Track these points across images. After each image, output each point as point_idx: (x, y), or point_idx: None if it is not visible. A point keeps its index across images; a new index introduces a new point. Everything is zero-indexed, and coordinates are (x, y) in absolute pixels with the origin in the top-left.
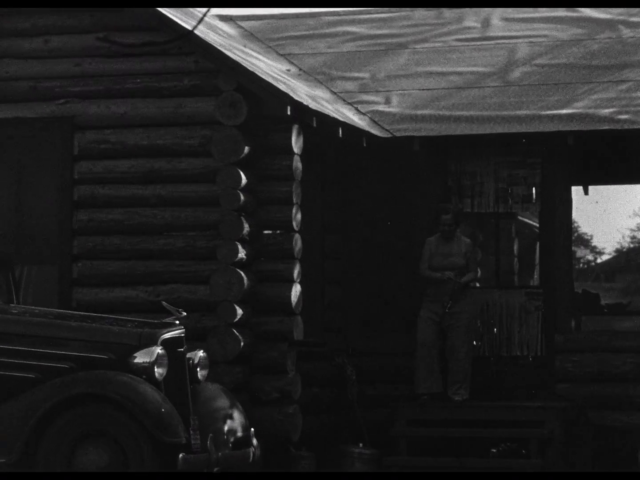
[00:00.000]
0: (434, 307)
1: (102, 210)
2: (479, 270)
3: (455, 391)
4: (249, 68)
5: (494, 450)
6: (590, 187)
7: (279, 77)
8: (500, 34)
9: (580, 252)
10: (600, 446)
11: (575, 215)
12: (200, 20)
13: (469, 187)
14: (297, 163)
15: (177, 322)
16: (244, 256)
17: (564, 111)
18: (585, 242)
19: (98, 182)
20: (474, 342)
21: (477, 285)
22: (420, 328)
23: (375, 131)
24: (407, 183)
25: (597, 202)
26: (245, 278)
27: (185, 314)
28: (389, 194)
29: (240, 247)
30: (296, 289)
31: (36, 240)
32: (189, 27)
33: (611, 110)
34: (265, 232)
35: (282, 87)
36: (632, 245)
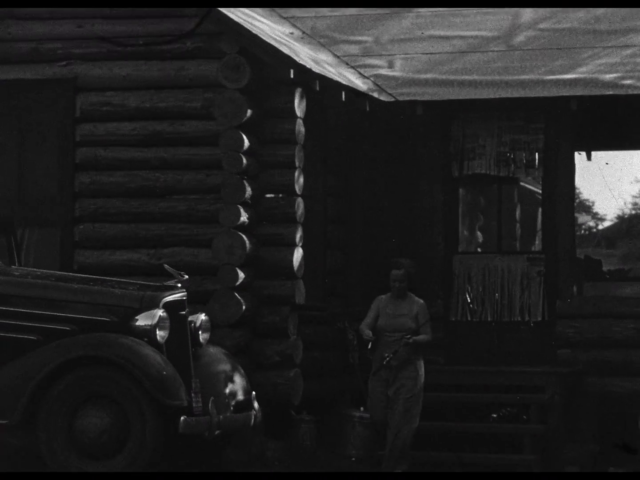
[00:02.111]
0: (382, 373)
1: (103, 172)
2: (431, 334)
3: (391, 466)
4: (252, 31)
5: (495, 415)
6: (593, 153)
7: (282, 40)
8: None
9: (581, 218)
10: (601, 412)
11: (577, 181)
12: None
13: (470, 150)
14: (300, 127)
15: (179, 285)
16: (246, 220)
17: (568, 76)
18: (586, 208)
19: (100, 144)
20: (417, 418)
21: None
22: (370, 403)
23: (378, 95)
24: (410, 147)
25: (606, 163)
26: (247, 242)
27: (187, 277)
28: (391, 158)
29: (242, 210)
30: (298, 253)
31: (38, 203)
32: None
33: (615, 75)
34: (268, 195)
35: (285, 50)
36: (633, 212)
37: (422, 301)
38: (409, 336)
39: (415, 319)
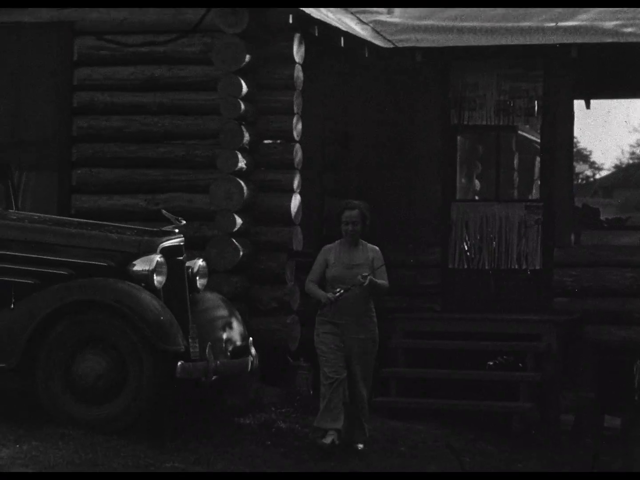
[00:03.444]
0: (332, 329)
1: (101, 117)
2: (387, 281)
3: (355, 438)
4: None
5: (491, 363)
6: (592, 101)
7: None
8: None
9: (579, 167)
10: (597, 360)
11: (575, 130)
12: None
13: (470, 99)
14: (299, 72)
15: (177, 230)
16: (244, 165)
17: (568, 23)
18: (584, 157)
19: (97, 88)
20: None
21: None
22: (326, 360)
23: (377, 41)
24: (408, 94)
25: (608, 111)
26: (245, 187)
27: (184, 222)
28: (389, 105)
29: (240, 156)
30: (296, 200)
31: (35, 147)
32: None
33: (616, 22)
34: (266, 141)
35: None
36: (631, 161)
37: (377, 247)
38: (366, 274)
39: (371, 267)
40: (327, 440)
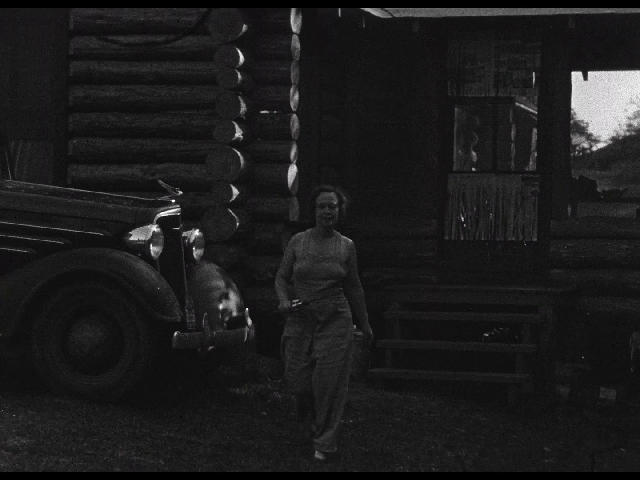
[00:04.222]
0: (304, 329)
1: (97, 87)
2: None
3: (321, 442)
4: None
5: (487, 335)
6: (590, 73)
7: None
8: None
9: (575, 139)
10: (593, 332)
11: (573, 102)
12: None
13: (469, 71)
14: (296, 43)
15: (173, 201)
16: (241, 136)
17: None
18: (581, 129)
19: (94, 58)
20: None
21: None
22: (288, 368)
23: (374, 12)
24: (406, 65)
25: (607, 83)
26: (241, 158)
27: (181, 192)
28: (387, 76)
29: (237, 126)
30: (292, 170)
31: (31, 117)
32: None
33: None
34: (263, 112)
35: None
36: (628, 134)
37: (351, 241)
38: (366, 335)
39: (345, 264)
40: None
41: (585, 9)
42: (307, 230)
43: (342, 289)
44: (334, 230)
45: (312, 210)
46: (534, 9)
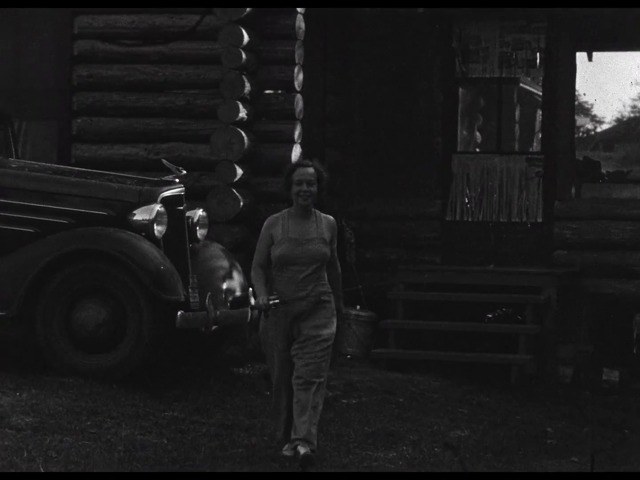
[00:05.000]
0: (285, 320)
1: (102, 66)
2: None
3: (303, 436)
4: None
5: (490, 316)
6: (595, 54)
7: None
8: None
9: (580, 120)
10: (596, 313)
11: (577, 83)
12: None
13: (473, 52)
14: (300, 22)
15: (177, 180)
16: (245, 116)
17: None
18: (585, 110)
19: (98, 37)
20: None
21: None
22: (269, 361)
23: None
24: (410, 46)
25: (611, 64)
26: (245, 138)
27: (185, 172)
28: (391, 56)
29: (241, 106)
30: (297, 150)
31: (35, 96)
32: None
33: None
34: (267, 92)
35: None
36: (632, 115)
37: (332, 218)
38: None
39: (329, 244)
40: (302, 451)
41: None
42: (284, 211)
43: (325, 274)
44: (313, 209)
45: (287, 187)
46: None
